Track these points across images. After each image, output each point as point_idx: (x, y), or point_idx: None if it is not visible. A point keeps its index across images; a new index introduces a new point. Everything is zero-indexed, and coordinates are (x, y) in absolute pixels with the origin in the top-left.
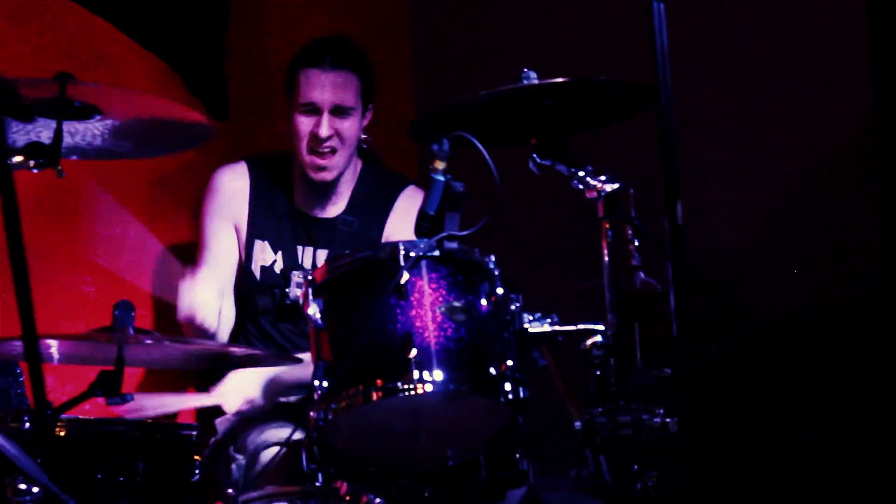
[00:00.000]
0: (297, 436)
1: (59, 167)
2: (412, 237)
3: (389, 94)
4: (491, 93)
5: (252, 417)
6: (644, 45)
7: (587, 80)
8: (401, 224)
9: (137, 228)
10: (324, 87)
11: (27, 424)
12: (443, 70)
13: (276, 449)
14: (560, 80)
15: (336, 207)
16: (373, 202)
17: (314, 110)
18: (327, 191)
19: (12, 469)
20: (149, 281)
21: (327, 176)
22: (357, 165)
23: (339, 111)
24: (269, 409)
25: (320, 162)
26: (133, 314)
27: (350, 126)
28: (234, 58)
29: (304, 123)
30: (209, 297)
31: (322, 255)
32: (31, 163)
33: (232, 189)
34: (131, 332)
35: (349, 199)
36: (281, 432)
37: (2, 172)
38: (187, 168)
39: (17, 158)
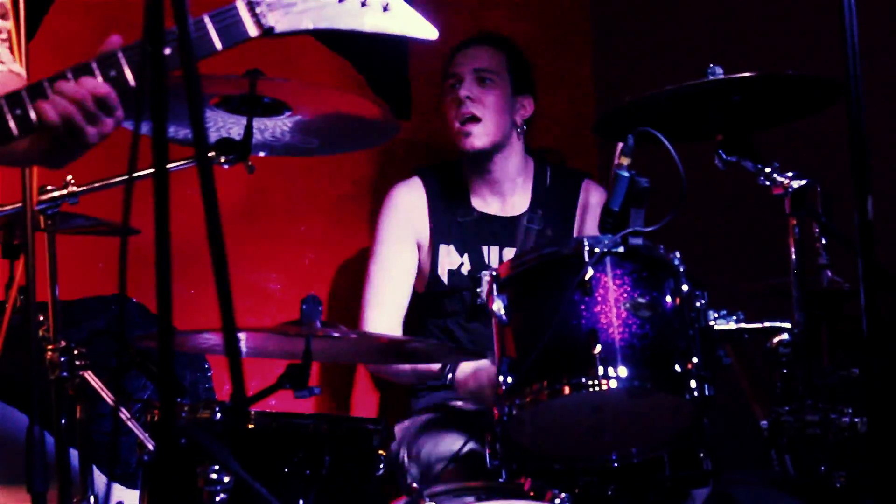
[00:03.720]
0: (470, 446)
1: (250, 163)
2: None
3: (570, 93)
4: (676, 88)
5: (428, 424)
6: (834, 39)
7: (775, 74)
8: (587, 219)
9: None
10: (465, 57)
11: (218, 415)
12: (624, 68)
13: (443, 449)
14: (747, 74)
15: (517, 205)
16: (553, 198)
17: (457, 80)
18: (504, 188)
19: (205, 457)
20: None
21: (475, 142)
22: (529, 163)
23: (479, 78)
24: (446, 417)
25: (464, 128)
26: (320, 308)
27: (493, 95)
28: (418, 58)
29: (449, 95)
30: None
31: (509, 253)
32: (223, 158)
33: (409, 203)
34: (318, 325)
35: (531, 196)
36: (455, 444)
37: (203, 171)
38: (371, 165)
39: (209, 154)
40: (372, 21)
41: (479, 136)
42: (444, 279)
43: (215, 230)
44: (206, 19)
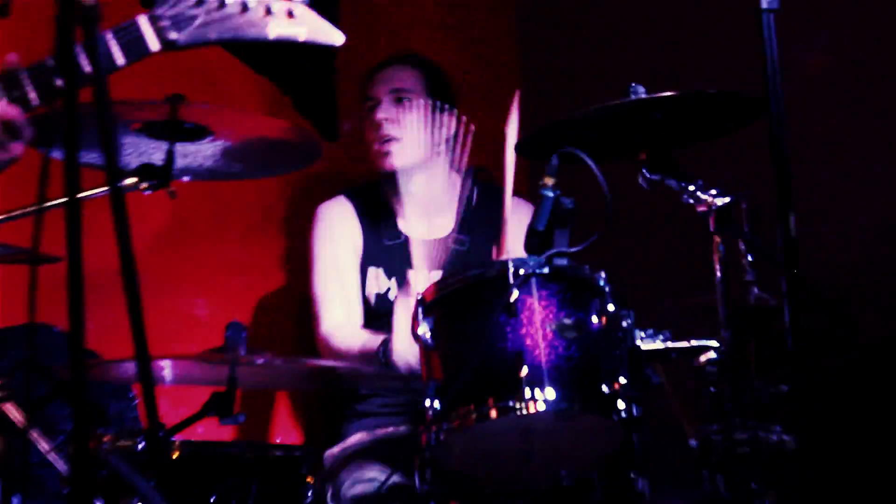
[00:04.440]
0: (395, 479)
1: (171, 188)
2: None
3: (498, 112)
4: (599, 107)
5: (354, 454)
6: (754, 56)
7: (697, 92)
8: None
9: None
10: (382, 78)
11: (141, 445)
12: (550, 87)
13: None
14: (669, 93)
15: (443, 227)
16: (480, 218)
17: (375, 102)
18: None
19: (127, 490)
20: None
21: (395, 161)
22: (455, 180)
23: (396, 98)
24: (376, 440)
25: (382, 148)
26: (245, 334)
27: (411, 115)
28: (344, 78)
29: (368, 117)
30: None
31: (436, 276)
32: (144, 185)
33: (341, 219)
34: (243, 352)
35: (457, 217)
36: (380, 477)
37: (114, 196)
38: (298, 188)
39: (130, 180)
40: (277, 29)
41: (399, 156)
42: (371, 301)
43: (127, 256)
44: (108, 35)
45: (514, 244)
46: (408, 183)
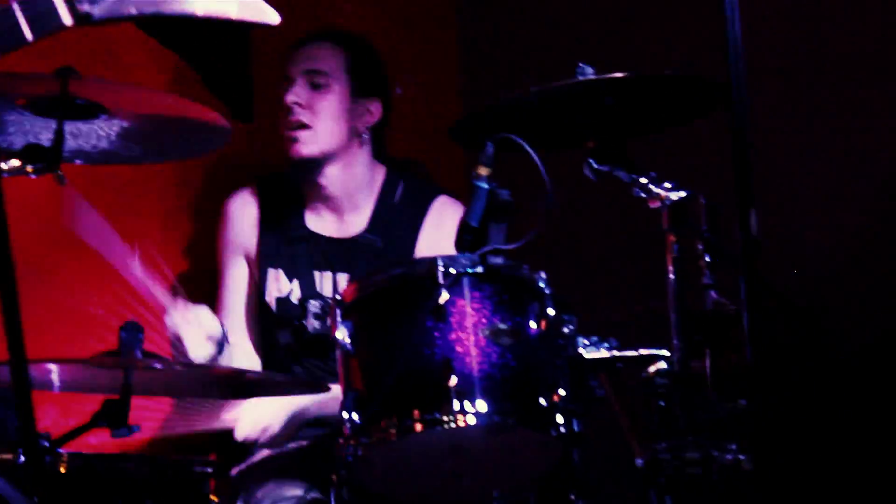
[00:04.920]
0: (312, 496)
1: (60, 172)
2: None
3: (435, 96)
4: (542, 90)
5: (267, 470)
6: (716, 38)
7: (651, 76)
8: (433, 240)
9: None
10: (298, 57)
11: (22, 458)
12: (494, 68)
13: None
14: (620, 75)
15: (355, 224)
16: (399, 217)
17: (289, 83)
18: (341, 204)
19: None
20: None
21: (302, 150)
22: (377, 172)
23: (312, 82)
24: (287, 453)
25: (289, 135)
26: (142, 336)
27: (326, 100)
28: (260, 55)
29: (282, 100)
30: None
31: (343, 280)
32: (29, 167)
33: (240, 217)
34: (139, 355)
35: (371, 215)
36: (295, 491)
37: None
38: (207, 174)
39: (14, 163)
40: (205, 4)
41: (307, 144)
42: (273, 307)
43: (4, 250)
44: (15, 6)
45: (429, 250)
46: (318, 174)
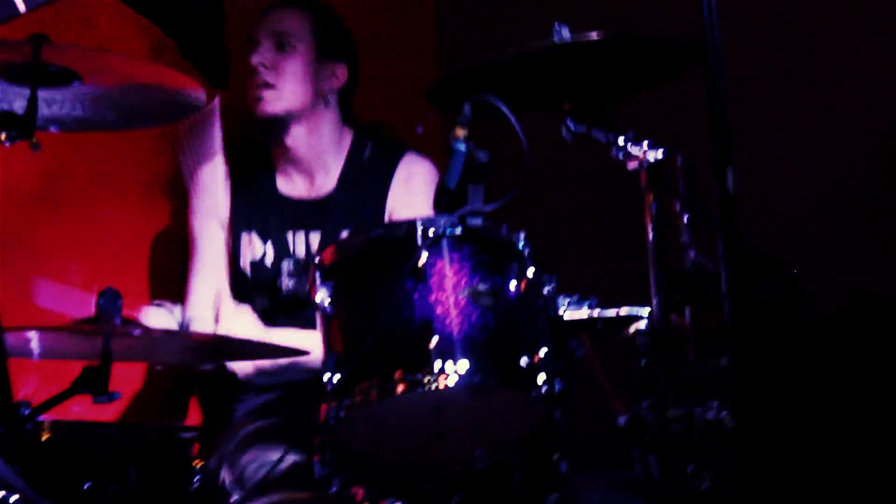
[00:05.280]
0: (291, 459)
1: (35, 140)
2: (415, 211)
3: (411, 58)
4: (518, 51)
5: (250, 436)
6: None
7: (627, 35)
8: (402, 196)
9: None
10: (265, 21)
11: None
12: (470, 28)
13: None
14: (596, 36)
15: (325, 185)
16: (367, 175)
17: (256, 45)
18: (311, 166)
19: None
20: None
21: (266, 107)
22: (345, 136)
23: (278, 43)
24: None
25: (257, 93)
26: (120, 302)
27: (291, 61)
28: (234, 22)
29: (248, 60)
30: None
31: (315, 238)
32: (3, 135)
33: (210, 182)
34: (118, 322)
35: (339, 175)
36: (280, 455)
37: None
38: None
39: None
40: None
41: (272, 102)
42: (248, 272)
43: None
44: None
45: (399, 207)
46: (284, 134)
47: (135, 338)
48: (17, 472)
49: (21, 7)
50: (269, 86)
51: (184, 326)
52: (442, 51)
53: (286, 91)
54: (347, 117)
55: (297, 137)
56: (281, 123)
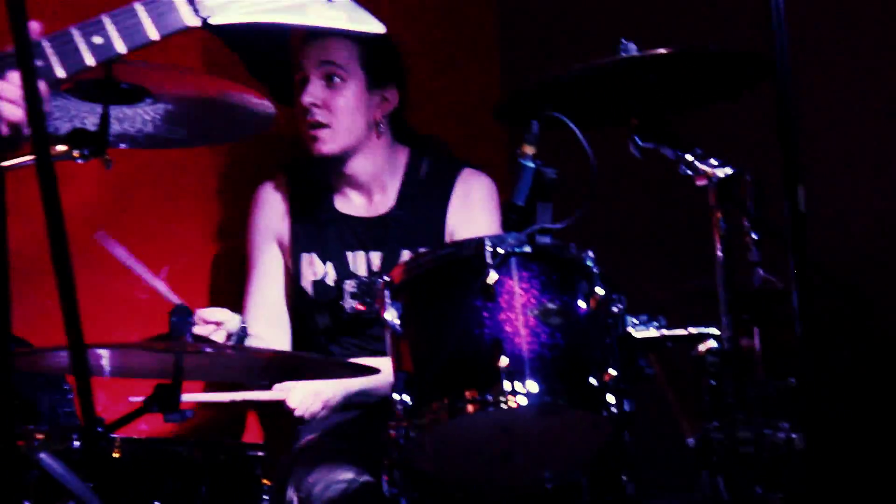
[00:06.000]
0: (364, 479)
1: (107, 157)
2: (476, 227)
3: (474, 75)
4: (585, 67)
5: (317, 455)
6: (760, 11)
7: (695, 51)
8: (462, 213)
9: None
10: (311, 49)
11: (76, 443)
12: (534, 45)
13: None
14: (664, 51)
15: (383, 203)
16: (425, 193)
17: (303, 76)
18: (369, 187)
19: (62, 493)
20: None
21: (322, 148)
22: (400, 154)
23: (326, 75)
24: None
25: (312, 133)
26: (192, 320)
27: (342, 96)
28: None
29: (297, 92)
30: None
31: (375, 257)
32: (76, 152)
33: (271, 203)
34: (189, 339)
35: (398, 193)
36: (347, 474)
37: (41, 164)
38: (249, 157)
39: (60, 148)
40: (316, 14)
41: (327, 142)
42: (310, 291)
43: (58, 233)
44: (138, 6)
45: (459, 224)
46: (340, 165)
47: (206, 355)
48: (92, 490)
49: (153, 34)
50: (322, 125)
51: (241, 335)
52: (506, 67)
53: (340, 129)
54: (400, 134)
55: (353, 166)
56: (337, 159)
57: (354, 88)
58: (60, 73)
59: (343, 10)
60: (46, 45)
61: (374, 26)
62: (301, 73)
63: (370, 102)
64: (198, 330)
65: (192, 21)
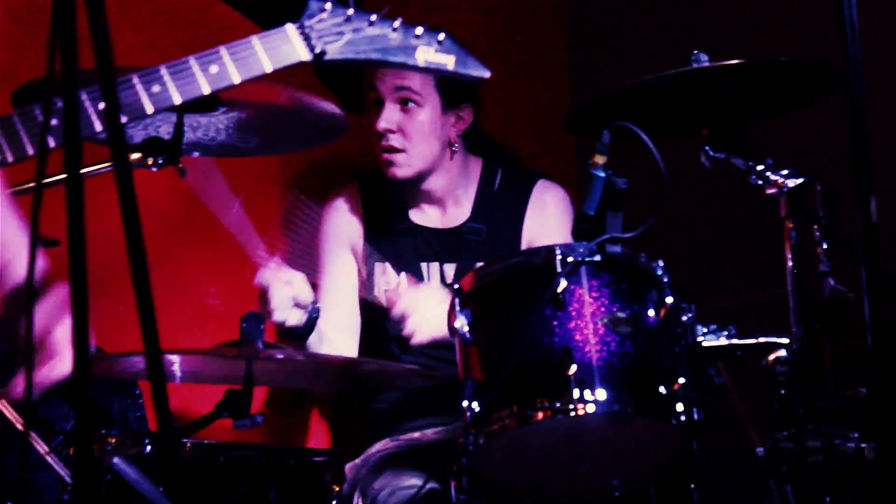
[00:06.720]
0: (431, 486)
1: (181, 165)
2: (552, 239)
3: (543, 85)
4: (657, 78)
5: (384, 461)
6: (832, 21)
7: (766, 61)
8: (538, 225)
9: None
10: (387, 71)
11: (148, 448)
12: (603, 55)
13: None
14: (735, 62)
15: (457, 215)
16: (500, 204)
17: (377, 97)
18: (444, 200)
19: (133, 496)
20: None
21: (398, 172)
22: (473, 165)
23: (401, 99)
24: (403, 451)
25: (387, 157)
26: (262, 327)
27: (417, 121)
28: None
29: (371, 112)
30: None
31: (450, 269)
32: (150, 160)
33: (344, 212)
34: (261, 346)
35: (473, 204)
36: (414, 483)
37: (120, 171)
38: (319, 165)
39: (135, 156)
40: (425, 56)
41: (403, 167)
42: (383, 301)
43: (135, 240)
44: (255, 39)
45: (536, 236)
46: (416, 185)
47: (276, 361)
48: (163, 494)
49: (267, 66)
50: (397, 150)
51: (312, 315)
52: (575, 78)
53: (415, 153)
54: (473, 144)
55: (428, 184)
56: (413, 181)
57: (430, 112)
58: (177, 99)
59: (451, 54)
60: (164, 72)
61: (481, 71)
62: (374, 93)
63: (445, 123)
64: (264, 280)
65: (305, 55)
